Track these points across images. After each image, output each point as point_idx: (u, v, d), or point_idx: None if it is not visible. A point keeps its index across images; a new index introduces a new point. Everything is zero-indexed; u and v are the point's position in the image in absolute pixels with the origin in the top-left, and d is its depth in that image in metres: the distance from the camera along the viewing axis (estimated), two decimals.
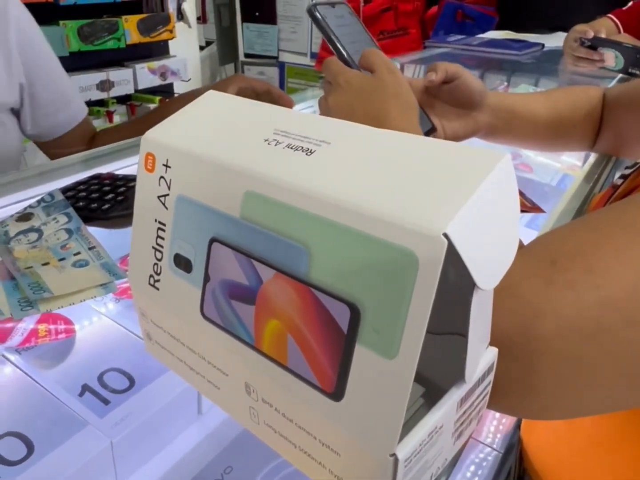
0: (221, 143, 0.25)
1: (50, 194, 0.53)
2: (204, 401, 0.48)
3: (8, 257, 0.46)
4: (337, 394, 0.20)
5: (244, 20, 2.92)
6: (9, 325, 0.48)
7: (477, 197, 0.18)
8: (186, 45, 2.35)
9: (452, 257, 0.17)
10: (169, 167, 0.26)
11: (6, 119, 0.79)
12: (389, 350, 0.18)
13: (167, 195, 0.26)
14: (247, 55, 3.00)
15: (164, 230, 0.26)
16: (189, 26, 2.34)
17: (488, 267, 0.19)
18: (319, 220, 0.20)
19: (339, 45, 0.54)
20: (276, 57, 2.92)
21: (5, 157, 0.78)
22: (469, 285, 0.19)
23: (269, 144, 0.23)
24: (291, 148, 0.23)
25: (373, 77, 0.52)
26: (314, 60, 2.72)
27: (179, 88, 2.35)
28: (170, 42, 2.20)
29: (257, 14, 2.86)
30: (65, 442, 0.40)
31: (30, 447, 0.39)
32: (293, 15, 2.79)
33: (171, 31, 2.11)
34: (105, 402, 0.44)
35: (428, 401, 0.25)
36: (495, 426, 0.54)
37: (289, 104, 0.86)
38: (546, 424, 0.54)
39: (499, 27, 2.08)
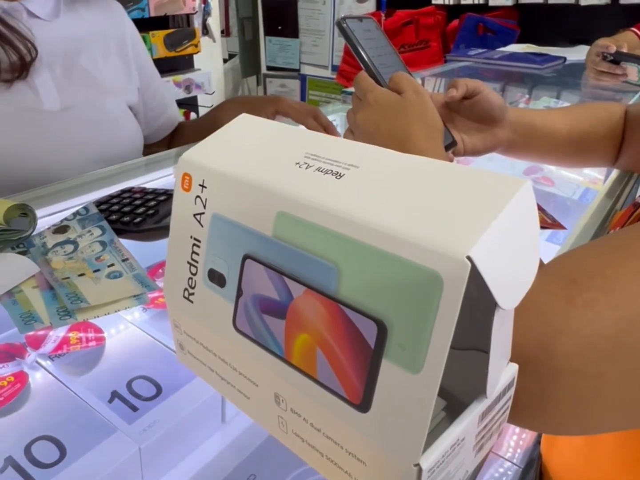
0: (254, 165, 0.26)
1: (85, 207, 0.55)
2: (227, 410, 0.50)
3: (46, 268, 0.48)
4: (363, 405, 0.21)
5: (266, 33, 2.97)
6: (42, 332, 0.50)
7: (499, 222, 0.19)
8: (210, 59, 2.40)
9: (475, 278, 0.19)
10: (205, 187, 0.27)
11: (133, 113, 0.91)
12: (414, 365, 0.19)
13: (203, 213, 0.27)
14: (269, 68, 3.05)
15: (198, 247, 0.28)
16: (214, 41, 2.39)
17: (509, 288, 0.20)
18: (348, 240, 0.21)
19: (366, 58, 0.56)
20: (298, 70, 2.96)
21: (135, 148, 0.87)
22: (490, 303, 0.21)
23: (300, 166, 0.25)
24: (321, 171, 0.24)
25: (401, 97, 0.53)
26: (335, 73, 2.75)
27: (203, 101, 2.39)
28: (195, 56, 2.25)
29: (279, 27, 2.91)
30: (96, 447, 0.41)
31: (62, 451, 0.41)
32: (315, 29, 2.83)
33: (196, 45, 2.16)
34: (134, 408, 0.45)
35: (449, 414, 0.26)
36: (515, 441, 0.54)
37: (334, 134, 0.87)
38: (566, 441, 0.54)
39: (521, 41, 2.08)
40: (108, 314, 0.45)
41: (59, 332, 0.50)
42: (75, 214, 0.54)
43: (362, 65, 0.57)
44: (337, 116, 1.11)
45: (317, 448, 0.24)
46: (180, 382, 0.48)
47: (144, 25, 2.01)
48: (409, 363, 0.19)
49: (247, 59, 3.09)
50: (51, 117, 0.75)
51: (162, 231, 0.52)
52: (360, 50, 0.55)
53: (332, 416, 0.22)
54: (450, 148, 0.62)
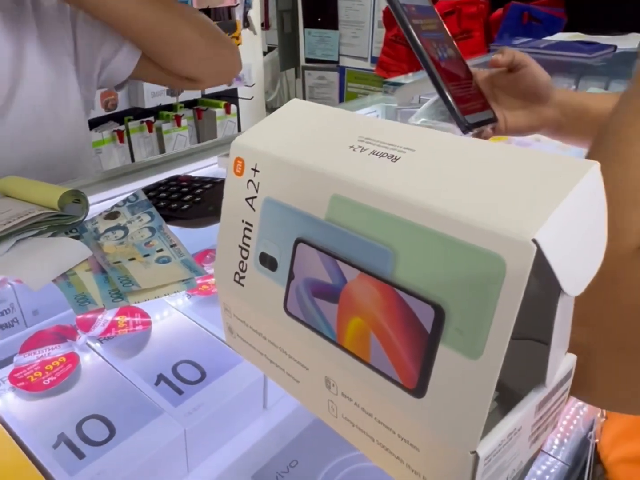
0: (307, 149, 0.26)
1: (135, 194, 0.56)
2: (269, 397, 0.50)
3: (98, 252, 0.49)
4: (418, 390, 0.21)
5: (306, 26, 2.97)
6: (91, 316, 0.52)
7: (566, 205, 0.18)
8: (250, 51, 2.41)
9: (534, 263, 0.18)
10: (258, 171, 0.27)
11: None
12: (473, 350, 0.19)
13: (255, 197, 0.28)
14: (307, 60, 3.05)
15: (250, 230, 0.28)
16: (255, 33, 2.40)
17: (574, 273, 0.19)
18: (405, 223, 0.21)
19: (415, 35, 0.55)
20: (337, 62, 2.95)
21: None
22: (551, 290, 0.20)
23: (354, 150, 0.25)
24: (376, 154, 0.24)
25: None
26: (374, 65, 2.72)
27: (243, 93, 2.41)
28: None
29: (319, 19, 2.90)
30: (143, 427, 0.42)
31: (112, 430, 0.42)
32: (355, 20, 2.81)
33: (237, 38, 2.18)
34: (179, 392, 0.46)
35: (501, 404, 0.25)
36: (559, 438, 0.53)
37: None
38: (628, 439, 0.52)
39: (568, 29, 2.01)
40: (158, 297, 0.46)
41: (108, 316, 0.52)
42: (125, 201, 0.56)
43: (409, 41, 0.56)
44: (377, 107, 1.10)
45: (368, 433, 0.24)
46: (224, 368, 0.48)
47: None
48: (468, 348, 0.19)
49: (285, 52, 3.09)
50: None
51: (208, 218, 0.52)
52: (409, 25, 0.55)
53: (384, 401, 0.22)
54: (490, 124, 0.60)
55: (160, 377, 0.47)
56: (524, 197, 0.19)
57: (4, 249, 0.48)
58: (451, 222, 0.20)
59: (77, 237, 0.52)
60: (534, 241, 0.17)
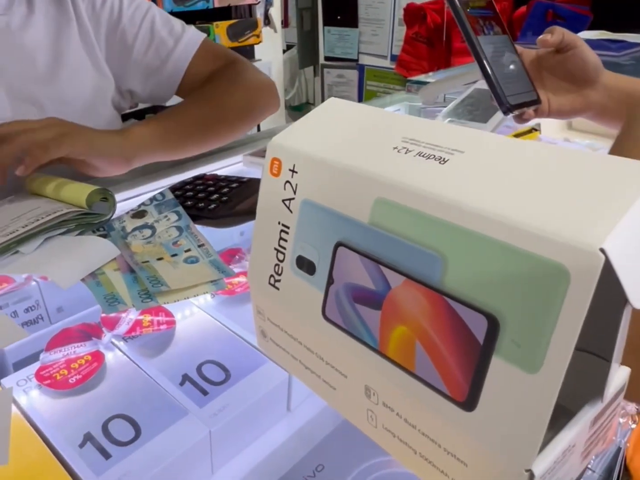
0: (348, 150, 0.25)
1: (162, 193, 0.56)
2: (292, 399, 0.49)
3: (126, 251, 0.49)
4: (468, 403, 0.20)
5: (325, 23, 2.96)
6: (115, 314, 0.51)
7: (633, 212, 0.17)
8: (271, 49, 2.40)
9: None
10: (296, 172, 0.27)
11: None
12: (531, 364, 0.18)
13: (293, 199, 0.27)
14: (327, 58, 3.04)
15: (287, 233, 0.27)
16: (275, 31, 2.39)
17: None
18: (456, 229, 0.20)
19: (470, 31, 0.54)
20: (356, 60, 2.93)
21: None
22: (607, 301, 0.19)
23: (398, 151, 0.24)
24: (422, 156, 0.23)
25: None
26: (394, 63, 2.71)
27: None
28: (255, 46, 2.27)
29: (338, 17, 2.89)
30: (169, 428, 0.42)
31: (137, 430, 0.41)
32: (375, 18, 2.79)
33: (258, 36, 2.17)
34: (204, 392, 0.45)
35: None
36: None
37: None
38: None
39: (593, 27, 1.97)
40: (187, 298, 0.45)
41: (132, 315, 0.51)
42: (152, 199, 0.55)
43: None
44: (401, 106, 1.09)
45: (410, 444, 0.23)
46: (248, 369, 0.48)
47: (208, 16, 2.04)
48: (525, 361, 0.18)
49: (304, 50, 3.09)
50: None
51: (235, 218, 0.52)
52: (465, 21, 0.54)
53: (430, 413, 0.21)
54: (533, 106, 0.59)
55: (185, 377, 0.46)
56: (586, 202, 0.18)
57: (33, 247, 0.48)
58: (508, 229, 0.19)
59: (104, 236, 0.51)
60: (602, 250, 0.16)
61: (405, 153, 0.23)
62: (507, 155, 0.22)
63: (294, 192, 0.27)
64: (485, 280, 0.19)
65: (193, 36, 0.79)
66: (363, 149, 0.25)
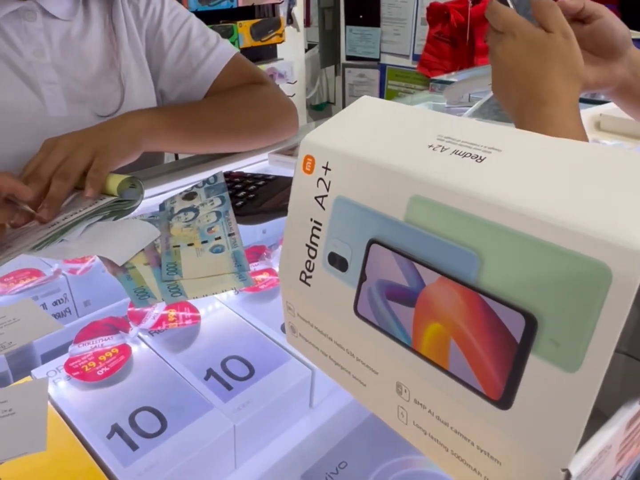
0: (382, 147, 0.25)
1: (214, 176, 0.57)
2: (315, 396, 0.50)
3: (165, 233, 0.51)
4: (504, 402, 0.20)
5: (347, 23, 2.95)
6: (140, 309, 0.52)
7: None
8: (293, 48, 2.41)
9: None
10: (329, 169, 0.27)
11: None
12: (570, 363, 0.18)
13: (325, 196, 0.27)
14: (348, 58, 3.03)
15: (319, 229, 0.27)
16: (298, 30, 2.40)
17: None
18: (493, 226, 0.20)
19: None
20: (378, 60, 2.93)
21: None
22: None
23: (434, 149, 0.24)
24: (458, 154, 0.23)
25: (547, 36, 0.50)
26: (415, 63, 2.69)
27: (286, 90, 2.41)
28: (278, 45, 2.28)
29: (360, 16, 2.88)
30: (194, 421, 0.42)
31: (163, 423, 0.42)
32: (397, 17, 2.78)
33: (281, 35, 2.18)
34: (228, 387, 0.46)
35: None
36: None
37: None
38: None
39: None
40: (216, 293, 0.46)
41: (157, 309, 0.52)
42: (204, 182, 0.57)
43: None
44: (425, 105, 1.08)
45: (442, 442, 0.23)
46: (271, 365, 0.48)
47: (232, 15, 2.05)
48: (564, 360, 0.18)
49: (326, 49, 3.09)
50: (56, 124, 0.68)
51: (261, 215, 0.52)
52: None
53: (463, 410, 0.21)
54: None
55: (210, 372, 0.47)
56: (627, 200, 0.18)
57: (77, 234, 0.51)
58: (547, 227, 0.19)
59: (152, 217, 0.54)
60: None
61: (441, 151, 0.23)
62: (545, 153, 0.21)
63: (327, 189, 0.27)
64: (524, 279, 0.19)
65: (225, 50, 0.81)
66: (398, 147, 0.25)
